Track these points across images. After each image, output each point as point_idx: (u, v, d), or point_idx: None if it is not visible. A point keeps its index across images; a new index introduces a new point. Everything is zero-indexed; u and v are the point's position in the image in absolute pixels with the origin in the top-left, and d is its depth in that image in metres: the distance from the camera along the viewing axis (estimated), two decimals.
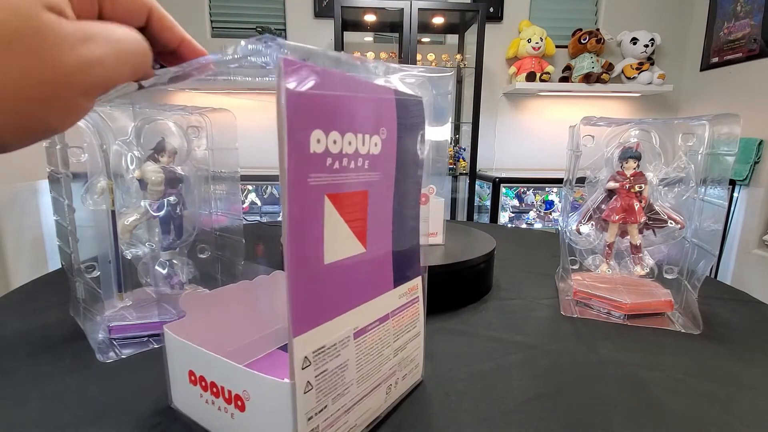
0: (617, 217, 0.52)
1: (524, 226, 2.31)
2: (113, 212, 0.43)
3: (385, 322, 0.31)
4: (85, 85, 0.18)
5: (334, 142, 0.24)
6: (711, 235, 0.46)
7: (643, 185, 0.52)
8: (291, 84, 0.21)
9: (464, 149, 2.35)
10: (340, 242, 0.26)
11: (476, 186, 2.29)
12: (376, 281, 0.30)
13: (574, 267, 0.57)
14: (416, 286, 0.34)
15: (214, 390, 0.29)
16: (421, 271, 0.35)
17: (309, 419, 0.25)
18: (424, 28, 2.29)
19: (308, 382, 0.24)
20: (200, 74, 0.23)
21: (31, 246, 1.51)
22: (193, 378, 0.31)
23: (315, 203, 0.24)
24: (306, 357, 0.24)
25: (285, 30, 2.37)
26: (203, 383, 0.30)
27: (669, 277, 0.52)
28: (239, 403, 0.28)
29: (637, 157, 0.52)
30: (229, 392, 0.28)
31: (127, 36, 0.20)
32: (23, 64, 0.16)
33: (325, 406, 0.26)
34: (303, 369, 0.24)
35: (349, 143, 0.25)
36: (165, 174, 0.44)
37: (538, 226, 2.32)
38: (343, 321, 0.27)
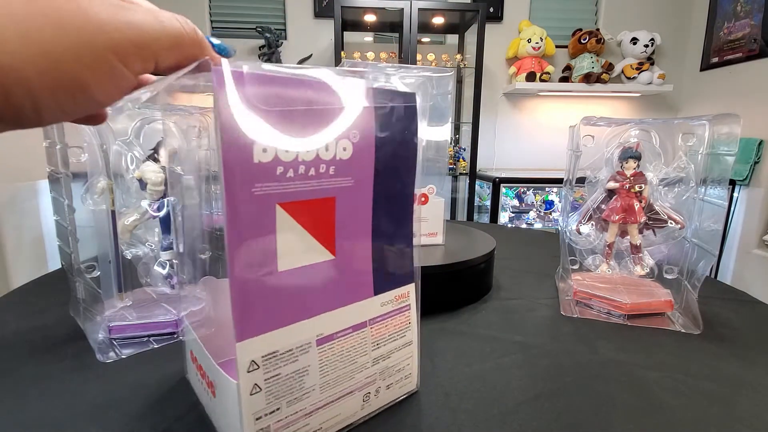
0: (617, 217, 0.52)
1: (524, 226, 2.31)
2: (113, 212, 0.43)
3: (361, 330, 0.30)
4: (118, 43, 0.17)
5: (287, 150, 0.23)
6: (711, 235, 0.46)
7: (643, 185, 0.52)
8: (226, 94, 0.21)
9: (464, 149, 2.35)
10: (299, 250, 0.25)
11: (476, 186, 2.29)
12: (350, 288, 0.29)
13: (574, 267, 0.57)
14: (406, 293, 0.33)
15: (201, 372, 0.32)
16: (413, 278, 0.33)
17: (257, 419, 0.25)
18: (424, 28, 2.29)
19: (255, 384, 0.24)
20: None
21: (31, 246, 1.51)
22: (192, 356, 0.34)
23: (263, 212, 0.23)
24: (253, 361, 0.24)
25: (285, 30, 2.37)
26: (196, 363, 0.33)
27: (669, 277, 0.52)
28: (212, 389, 0.30)
29: (637, 157, 0.52)
30: (207, 377, 0.30)
31: (172, 16, 0.20)
32: (53, 6, 0.16)
33: (278, 408, 0.26)
34: (249, 372, 0.24)
35: (307, 150, 0.24)
36: (165, 174, 0.44)
37: (538, 226, 2.32)
38: (302, 327, 0.26)
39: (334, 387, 0.29)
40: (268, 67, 0.23)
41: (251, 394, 0.24)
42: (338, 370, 0.29)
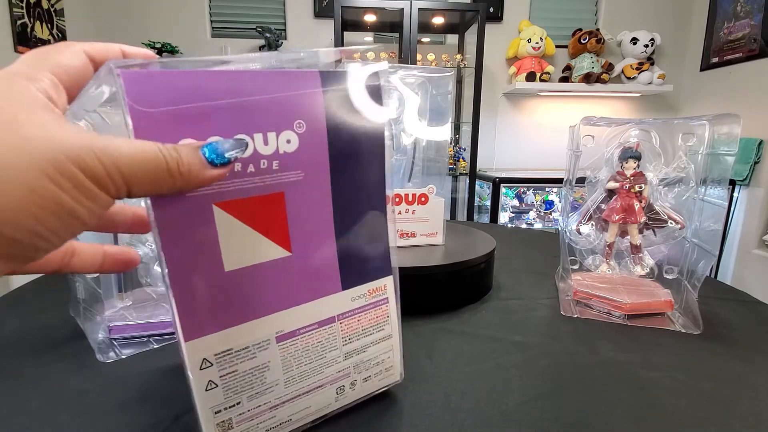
0: (617, 217, 0.52)
1: (524, 226, 2.31)
2: None
3: (329, 326, 0.29)
4: (81, 159, 0.16)
5: None
6: (711, 235, 0.46)
7: (643, 185, 0.52)
8: (135, 98, 0.19)
9: (464, 149, 2.35)
10: (247, 249, 0.24)
11: (476, 186, 2.29)
12: (313, 284, 0.28)
13: (574, 267, 0.57)
14: (382, 287, 0.31)
15: None
16: (390, 271, 0.31)
17: (216, 413, 0.25)
18: (424, 28, 2.29)
19: (210, 381, 0.25)
20: None
21: None
22: None
23: (199, 214, 0.22)
24: (205, 359, 0.24)
25: (285, 30, 2.38)
26: None
27: (669, 277, 0.52)
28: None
29: (637, 157, 0.52)
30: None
31: (152, 145, 0.19)
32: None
33: (238, 403, 0.26)
34: (202, 369, 0.24)
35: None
36: None
37: (538, 226, 2.32)
38: (259, 325, 0.26)
39: (300, 381, 0.28)
40: (186, 61, 0.21)
41: (207, 390, 0.25)
42: (304, 366, 0.28)
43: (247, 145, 0.22)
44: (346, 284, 0.29)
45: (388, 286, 0.32)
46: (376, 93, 0.27)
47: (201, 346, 0.24)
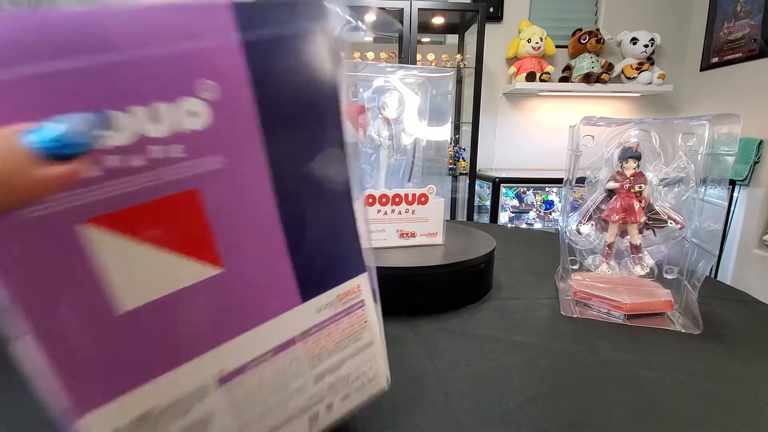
0: (617, 217, 0.52)
1: (524, 226, 2.31)
2: None
3: (289, 350, 0.23)
4: None
5: None
6: (711, 235, 0.46)
7: (643, 185, 0.52)
8: None
9: (464, 149, 2.35)
10: (151, 275, 0.18)
11: (476, 186, 2.29)
12: (261, 303, 0.21)
13: (574, 267, 0.57)
14: (355, 288, 0.25)
15: None
16: (364, 267, 0.25)
17: None
18: (424, 28, 2.29)
19: None
20: None
21: None
22: None
23: (58, 240, 0.15)
24: (115, 430, 0.18)
25: None
26: None
27: (669, 277, 0.52)
28: None
29: (637, 157, 0.52)
30: None
31: None
32: None
33: None
34: None
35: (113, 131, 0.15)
36: None
37: (538, 226, 2.32)
38: (189, 370, 0.19)
39: (261, 422, 0.23)
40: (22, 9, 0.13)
41: None
42: (261, 405, 0.22)
43: (108, 120, 0.15)
44: (307, 294, 0.23)
45: (362, 285, 0.26)
46: (325, 34, 0.20)
47: (104, 418, 0.17)
